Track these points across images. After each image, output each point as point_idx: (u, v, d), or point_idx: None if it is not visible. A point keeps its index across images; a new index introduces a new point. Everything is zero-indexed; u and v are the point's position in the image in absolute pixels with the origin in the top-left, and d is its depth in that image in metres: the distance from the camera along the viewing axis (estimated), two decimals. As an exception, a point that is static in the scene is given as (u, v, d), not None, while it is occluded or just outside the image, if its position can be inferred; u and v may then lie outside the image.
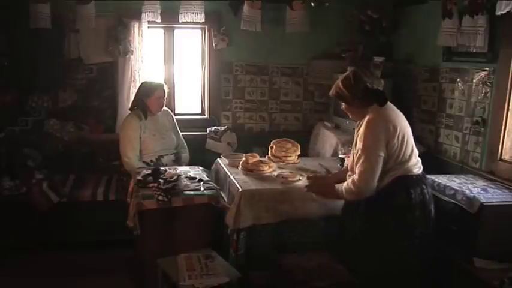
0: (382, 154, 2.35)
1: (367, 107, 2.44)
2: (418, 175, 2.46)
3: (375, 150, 2.35)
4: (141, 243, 2.80)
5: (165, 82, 3.76)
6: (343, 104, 2.55)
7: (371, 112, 2.42)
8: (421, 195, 2.42)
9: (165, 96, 3.50)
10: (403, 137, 2.38)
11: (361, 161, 2.38)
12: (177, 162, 3.54)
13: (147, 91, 3.44)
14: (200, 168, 3.31)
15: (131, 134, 3.39)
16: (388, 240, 2.42)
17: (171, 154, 3.52)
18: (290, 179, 2.86)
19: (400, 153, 2.38)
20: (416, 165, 2.46)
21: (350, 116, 2.62)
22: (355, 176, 2.41)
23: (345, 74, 2.50)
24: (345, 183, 2.48)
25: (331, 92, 2.56)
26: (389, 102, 2.46)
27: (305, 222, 2.76)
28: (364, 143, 2.37)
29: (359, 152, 2.40)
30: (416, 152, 2.48)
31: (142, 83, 3.58)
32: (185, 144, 3.73)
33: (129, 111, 3.53)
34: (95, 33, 3.92)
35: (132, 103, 3.54)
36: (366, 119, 2.43)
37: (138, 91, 3.53)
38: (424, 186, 2.46)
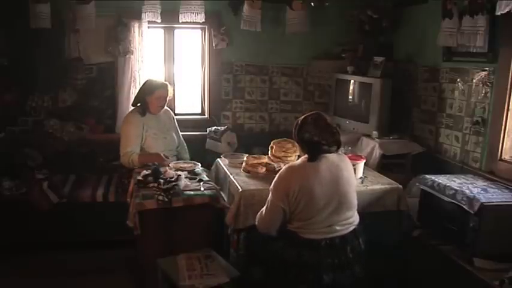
0: (281, 205, 2.27)
1: (303, 151, 2.36)
2: (315, 240, 2.26)
3: (275, 197, 2.31)
4: (141, 243, 2.80)
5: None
6: None
7: (299, 160, 2.37)
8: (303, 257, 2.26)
9: (166, 97, 3.47)
10: (302, 199, 2.23)
11: (267, 200, 2.36)
12: None
13: (148, 89, 3.42)
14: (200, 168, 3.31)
15: (132, 129, 3.37)
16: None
17: (173, 156, 3.51)
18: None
19: (297, 209, 2.27)
20: (318, 231, 2.27)
21: None
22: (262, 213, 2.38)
23: (309, 115, 2.35)
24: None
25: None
26: (324, 160, 2.27)
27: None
28: (272, 186, 2.35)
29: None
30: (326, 218, 2.26)
31: (146, 80, 3.55)
32: (185, 145, 3.73)
33: (132, 108, 3.53)
34: (95, 33, 3.92)
35: (134, 99, 3.53)
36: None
37: (140, 88, 3.51)
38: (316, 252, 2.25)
